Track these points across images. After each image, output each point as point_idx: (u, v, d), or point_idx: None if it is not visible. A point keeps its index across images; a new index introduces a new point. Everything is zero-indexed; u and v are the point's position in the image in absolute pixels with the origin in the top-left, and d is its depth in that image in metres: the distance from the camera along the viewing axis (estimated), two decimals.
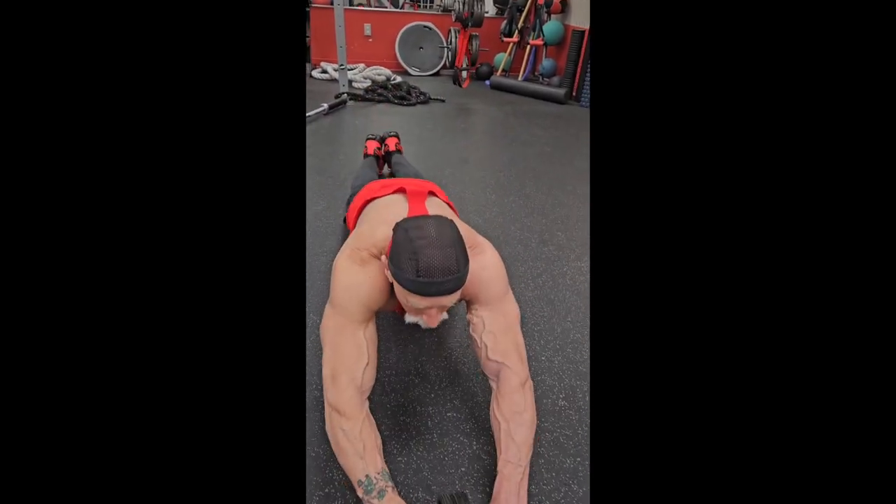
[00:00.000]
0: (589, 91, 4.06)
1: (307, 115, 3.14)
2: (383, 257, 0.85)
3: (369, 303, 0.90)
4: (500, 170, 2.54)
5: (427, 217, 0.84)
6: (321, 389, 1.00)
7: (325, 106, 3.34)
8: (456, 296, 0.81)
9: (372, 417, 0.88)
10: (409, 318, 0.88)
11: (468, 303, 0.98)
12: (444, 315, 0.86)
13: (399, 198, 1.11)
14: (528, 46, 4.60)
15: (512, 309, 0.98)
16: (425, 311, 0.83)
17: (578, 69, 4.19)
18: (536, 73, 4.93)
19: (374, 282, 0.90)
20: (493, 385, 0.95)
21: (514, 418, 0.89)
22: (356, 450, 0.81)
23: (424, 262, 0.76)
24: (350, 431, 0.82)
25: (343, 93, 3.72)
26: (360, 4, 5.33)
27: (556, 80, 4.48)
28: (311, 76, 4.68)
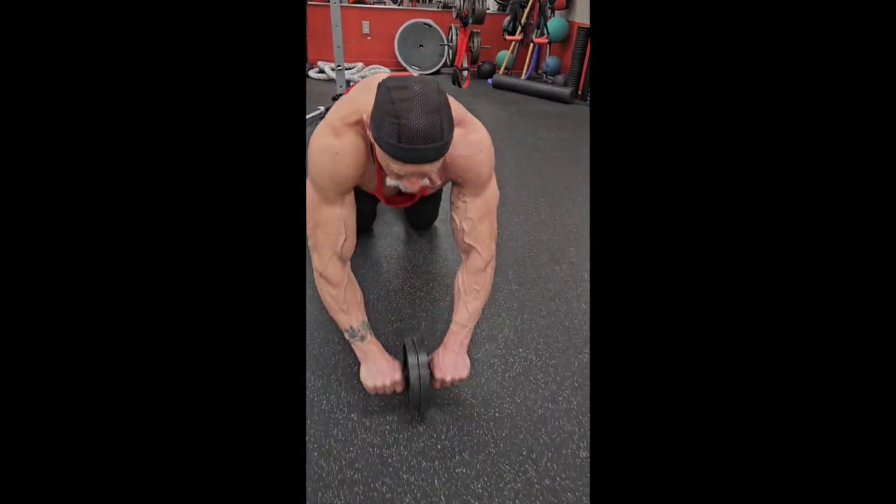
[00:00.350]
0: None
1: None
2: (365, 116, 0.83)
3: (344, 180, 0.93)
4: (506, 177, 2.42)
5: (412, 77, 0.79)
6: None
7: (322, 109, 3.22)
8: (438, 164, 0.81)
9: (353, 278, 1.04)
10: (389, 182, 0.89)
11: (454, 183, 1.02)
12: (426, 181, 0.86)
13: (385, 72, 1.14)
14: (532, 44, 4.45)
15: (493, 194, 1.05)
16: (406, 177, 0.83)
17: (584, 67, 4.05)
18: (539, 71, 4.79)
19: (349, 155, 0.91)
20: (463, 258, 1.08)
21: (472, 293, 1.05)
22: (342, 308, 1.01)
23: (406, 126, 0.73)
24: (336, 296, 1.00)
25: (340, 94, 3.59)
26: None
27: (560, 78, 4.33)
28: (307, 76, 4.54)
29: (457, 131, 0.88)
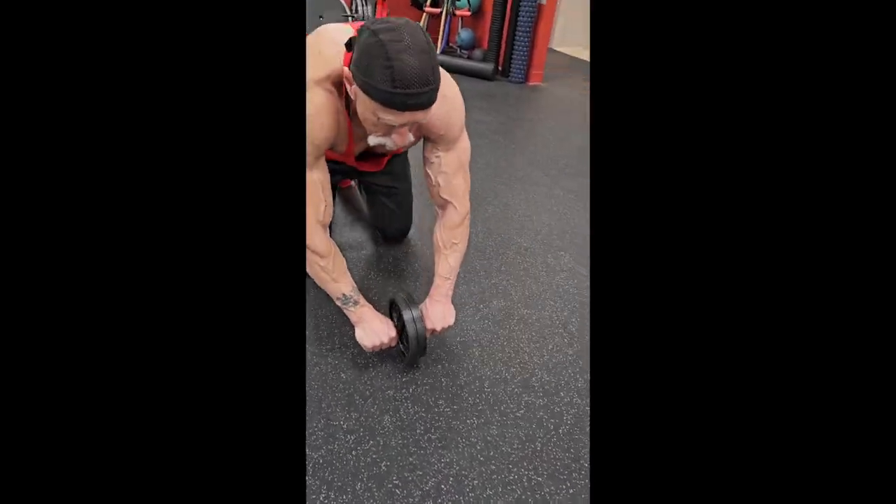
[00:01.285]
0: (517, 65, 3.81)
1: None
2: (345, 69, 0.77)
3: (321, 142, 0.89)
4: None
5: (398, 19, 0.73)
6: None
7: None
8: (428, 112, 0.77)
9: (336, 245, 1.02)
10: (372, 140, 0.86)
11: (427, 140, 1.00)
12: (411, 137, 0.89)
13: (347, 26, 0.93)
14: (446, 16, 4.16)
15: (465, 147, 1.05)
16: (397, 130, 0.79)
17: (503, 41, 3.90)
18: (452, 45, 4.55)
19: (322, 115, 0.86)
20: (440, 213, 1.09)
21: (451, 247, 1.08)
22: (333, 279, 1.00)
23: (400, 69, 0.68)
24: (326, 266, 0.98)
25: None
26: None
27: (478, 52, 4.14)
28: None
29: None
